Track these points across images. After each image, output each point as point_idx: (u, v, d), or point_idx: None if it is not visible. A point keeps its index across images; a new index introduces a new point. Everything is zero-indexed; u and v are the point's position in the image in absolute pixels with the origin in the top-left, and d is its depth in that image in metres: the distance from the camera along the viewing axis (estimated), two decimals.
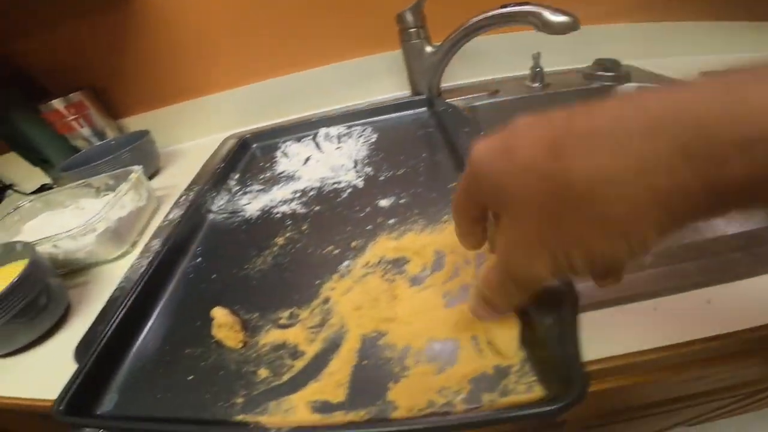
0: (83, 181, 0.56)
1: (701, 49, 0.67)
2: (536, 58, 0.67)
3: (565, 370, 0.21)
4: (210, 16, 0.69)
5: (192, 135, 0.79)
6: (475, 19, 0.56)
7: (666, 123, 0.13)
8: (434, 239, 0.37)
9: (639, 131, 0.14)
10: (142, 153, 0.64)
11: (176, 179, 0.64)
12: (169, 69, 0.73)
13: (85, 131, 0.70)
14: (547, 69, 0.67)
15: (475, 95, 0.69)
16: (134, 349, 0.34)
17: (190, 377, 0.30)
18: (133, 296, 0.36)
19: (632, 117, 0.14)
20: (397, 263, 0.35)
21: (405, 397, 0.25)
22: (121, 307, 0.35)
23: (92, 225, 0.44)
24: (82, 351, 0.36)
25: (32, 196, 0.58)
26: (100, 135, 0.72)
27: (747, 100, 0.12)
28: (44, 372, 0.36)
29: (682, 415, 0.60)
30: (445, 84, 0.71)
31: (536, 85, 0.69)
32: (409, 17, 0.61)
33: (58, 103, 0.66)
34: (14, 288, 0.36)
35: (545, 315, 0.25)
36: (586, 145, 0.15)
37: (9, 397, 0.35)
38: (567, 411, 0.20)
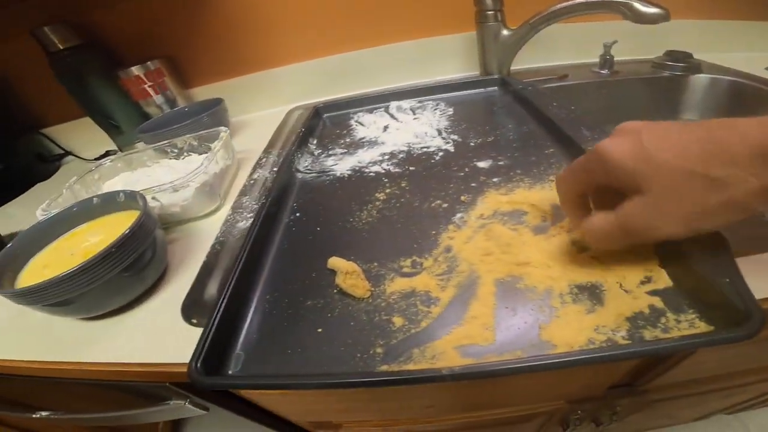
0: (167, 141, 0.58)
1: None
2: (608, 45, 0.67)
3: (738, 304, 0.22)
4: None
5: (257, 106, 0.80)
6: (560, 5, 0.57)
7: (756, 149, 0.20)
8: (547, 194, 0.37)
9: (742, 153, 0.20)
10: (219, 119, 0.65)
11: (249, 144, 0.65)
12: (240, 41, 0.75)
13: (159, 99, 0.72)
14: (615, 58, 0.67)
15: (543, 78, 0.69)
16: (253, 304, 0.33)
17: (319, 330, 0.29)
18: (246, 250, 0.35)
19: (737, 143, 0.21)
20: (514, 215, 0.36)
21: (560, 336, 0.25)
22: (239, 261, 0.34)
23: (192, 178, 0.45)
24: (190, 307, 0.35)
25: (113, 156, 0.59)
26: (172, 103, 0.74)
27: None
28: (151, 332, 0.34)
29: (732, 398, 0.61)
30: (513, 67, 0.71)
31: (605, 71, 0.69)
32: (488, 0, 0.62)
33: (137, 70, 0.68)
34: (126, 239, 0.34)
35: (701, 258, 0.25)
36: (707, 156, 0.21)
37: (131, 363, 0.32)
38: (754, 337, 0.20)
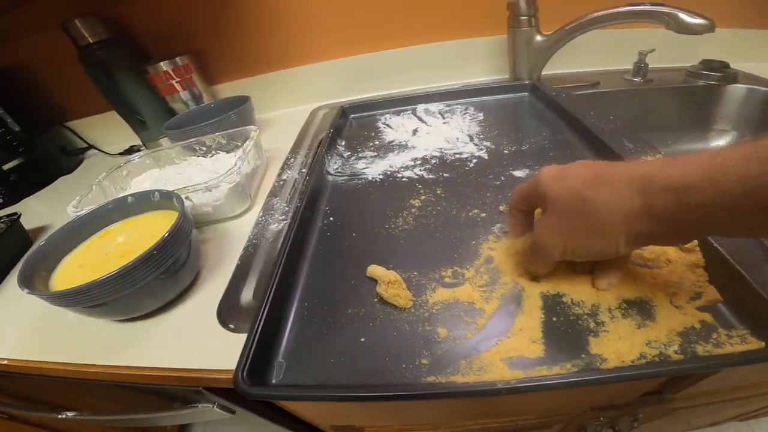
0: (196, 139, 0.57)
1: None
2: (644, 54, 0.65)
3: None
4: None
5: (281, 104, 0.80)
6: (600, 13, 0.56)
7: (639, 182, 0.22)
8: None
9: (628, 183, 0.22)
10: (246, 117, 0.65)
11: (275, 143, 0.65)
12: (266, 37, 0.74)
13: (185, 95, 0.72)
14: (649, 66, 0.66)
15: (575, 84, 0.68)
16: (293, 311, 0.32)
17: (362, 339, 0.29)
18: (285, 255, 0.34)
19: (631, 175, 0.23)
20: None
21: (611, 350, 0.25)
22: (278, 266, 0.33)
23: (225, 178, 0.44)
24: (226, 312, 0.35)
25: (141, 152, 0.59)
26: (197, 99, 0.73)
27: (676, 171, 0.20)
28: (186, 336, 0.34)
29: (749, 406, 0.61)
30: (543, 72, 0.70)
31: (637, 80, 0.68)
32: (523, 5, 0.61)
33: (166, 65, 0.68)
34: (166, 242, 0.33)
35: (750, 274, 0.26)
36: (601, 186, 0.24)
37: (168, 369, 0.31)
38: None
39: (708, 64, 0.66)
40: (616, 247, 0.24)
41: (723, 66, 0.65)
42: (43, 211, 0.67)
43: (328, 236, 0.40)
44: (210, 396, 0.40)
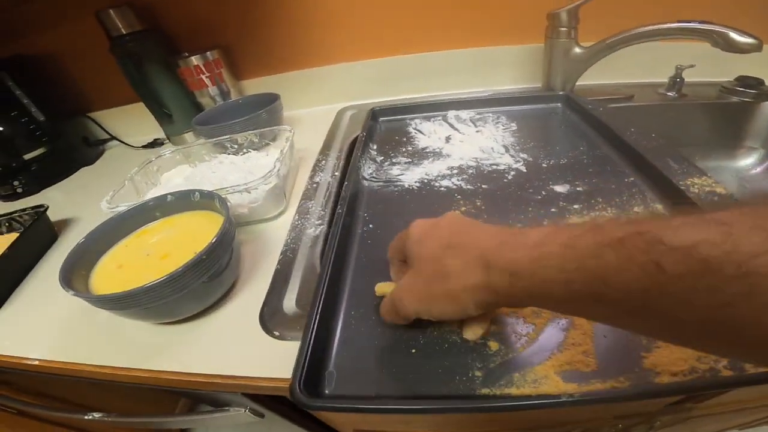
0: (228, 137, 0.57)
1: None
2: (681, 68, 0.65)
3: None
4: None
5: (307, 103, 0.79)
6: (645, 28, 0.55)
7: (481, 258, 0.23)
8: None
9: (475, 257, 0.24)
10: (276, 115, 0.64)
11: (304, 143, 0.64)
12: (294, 36, 0.74)
13: (213, 90, 0.71)
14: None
15: (608, 97, 0.67)
16: (341, 320, 0.32)
17: (413, 350, 0.29)
18: (330, 264, 0.34)
19: (478, 248, 0.24)
20: None
21: (664, 365, 0.25)
22: (324, 276, 0.33)
23: (266, 178, 0.44)
24: (268, 318, 0.35)
25: (171, 148, 0.58)
26: (225, 95, 0.73)
27: (507, 255, 0.22)
28: (228, 342, 0.34)
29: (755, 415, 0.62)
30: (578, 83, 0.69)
31: (671, 94, 0.67)
32: (564, 16, 0.61)
33: (197, 60, 0.68)
34: (214, 247, 0.33)
35: None
36: (455, 253, 0.25)
37: (212, 375, 0.31)
38: None
39: (743, 81, 0.66)
40: (466, 311, 0.25)
41: (758, 83, 0.65)
42: (65, 202, 0.67)
43: (369, 244, 0.40)
44: (243, 400, 0.40)
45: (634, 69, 0.71)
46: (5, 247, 0.48)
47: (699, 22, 0.52)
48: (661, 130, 0.68)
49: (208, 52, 0.69)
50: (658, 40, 0.56)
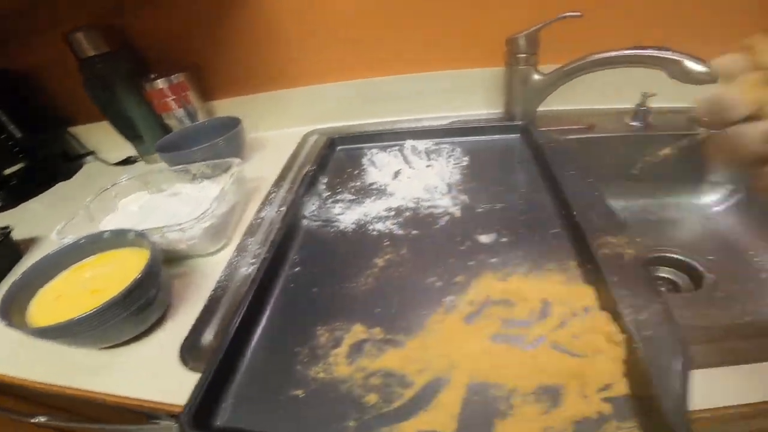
0: (182, 167, 0.59)
1: None
2: (645, 96, 0.63)
3: (668, 419, 0.23)
4: (312, 9, 0.68)
5: (276, 124, 0.80)
6: (600, 55, 0.54)
7: None
8: (541, 286, 0.37)
9: None
10: (236, 142, 0.66)
11: (261, 171, 0.65)
12: (263, 58, 0.74)
13: (180, 112, 0.73)
14: (653, 105, 0.63)
15: (569, 127, 0.66)
16: (247, 357, 0.35)
17: (302, 394, 0.31)
18: (245, 307, 0.37)
19: None
20: (503, 305, 0.36)
21: None
22: (238, 313, 0.36)
23: (202, 218, 0.46)
24: (187, 352, 0.37)
25: (130, 174, 0.60)
26: (192, 117, 0.75)
27: None
28: (149, 369, 0.37)
29: None
30: (539, 108, 0.68)
31: (636, 123, 0.66)
32: (522, 42, 0.59)
33: (162, 83, 0.69)
34: (137, 286, 0.36)
35: (658, 368, 0.26)
36: None
37: (118, 396, 0.36)
38: None
39: None
40: None
41: None
42: (39, 217, 0.70)
43: (291, 288, 0.42)
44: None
45: (601, 94, 0.69)
46: None
47: (655, 49, 0.50)
48: (622, 163, 0.68)
49: (173, 75, 0.70)
50: (613, 67, 0.55)
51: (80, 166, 0.88)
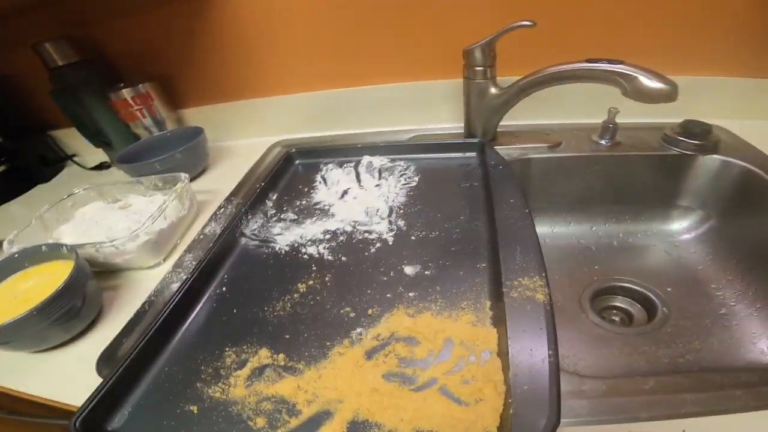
0: (136, 179, 0.60)
1: None
2: (612, 113, 0.60)
3: None
4: (279, 20, 0.68)
5: (243, 134, 0.81)
6: (554, 69, 0.51)
7: None
8: (448, 326, 0.36)
9: None
10: (195, 153, 0.66)
11: (219, 183, 0.66)
12: (233, 66, 0.74)
13: (147, 121, 0.74)
14: (622, 120, 0.60)
15: (532, 146, 0.64)
16: (154, 370, 0.36)
17: (196, 410, 0.32)
18: (161, 320, 0.38)
19: None
20: (408, 342, 0.35)
21: None
22: (150, 328, 0.37)
23: (135, 235, 0.46)
24: (104, 362, 0.39)
25: (86, 185, 0.61)
26: (160, 125, 0.75)
27: None
28: (67, 374, 0.39)
29: None
30: (503, 123, 0.66)
31: (604, 141, 0.63)
32: (478, 54, 0.57)
33: (126, 93, 0.70)
34: (57, 296, 0.38)
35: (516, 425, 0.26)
36: None
37: (30, 395, 0.38)
38: None
39: (687, 127, 0.59)
40: None
41: (705, 131, 0.58)
42: (14, 219, 0.72)
43: (213, 308, 0.42)
44: None
45: (570, 109, 0.67)
46: None
47: (607, 62, 0.47)
48: (587, 185, 0.65)
49: (140, 85, 0.71)
50: (567, 83, 0.53)
51: (61, 169, 0.90)
